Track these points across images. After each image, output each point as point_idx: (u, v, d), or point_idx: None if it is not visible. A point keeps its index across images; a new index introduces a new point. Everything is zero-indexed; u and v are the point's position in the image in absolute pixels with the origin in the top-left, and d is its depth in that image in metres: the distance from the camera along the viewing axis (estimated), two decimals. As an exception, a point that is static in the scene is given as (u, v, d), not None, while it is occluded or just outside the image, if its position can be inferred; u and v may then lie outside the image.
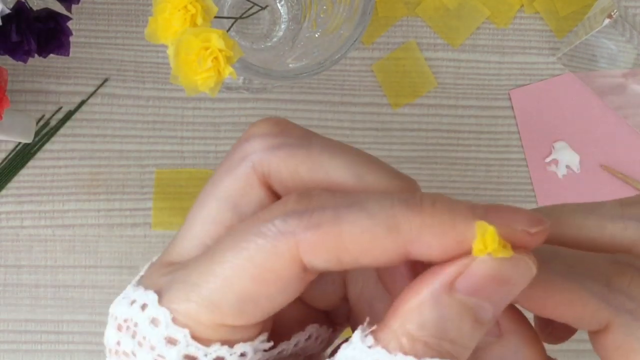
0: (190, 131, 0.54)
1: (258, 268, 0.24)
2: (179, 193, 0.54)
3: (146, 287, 0.27)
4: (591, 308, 0.25)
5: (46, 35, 0.47)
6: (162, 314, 0.25)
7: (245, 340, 0.25)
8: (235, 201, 0.27)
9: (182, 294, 0.25)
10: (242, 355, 0.25)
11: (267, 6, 0.51)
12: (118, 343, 0.27)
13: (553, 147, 0.56)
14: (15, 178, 0.53)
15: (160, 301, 0.26)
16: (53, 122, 0.53)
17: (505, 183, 0.56)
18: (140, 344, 0.26)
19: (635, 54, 0.52)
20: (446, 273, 0.23)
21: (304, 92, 0.55)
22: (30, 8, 0.46)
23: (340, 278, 0.28)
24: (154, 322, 0.26)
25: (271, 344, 0.26)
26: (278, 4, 0.52)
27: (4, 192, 0.53)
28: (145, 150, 0.54)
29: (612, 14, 0.50)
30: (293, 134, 0.26)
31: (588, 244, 0.27)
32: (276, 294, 0.24)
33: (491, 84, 0.56)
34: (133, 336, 0.27)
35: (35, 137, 0.52)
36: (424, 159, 0.55)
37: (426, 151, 0.55)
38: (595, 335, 0.26)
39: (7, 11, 0.44)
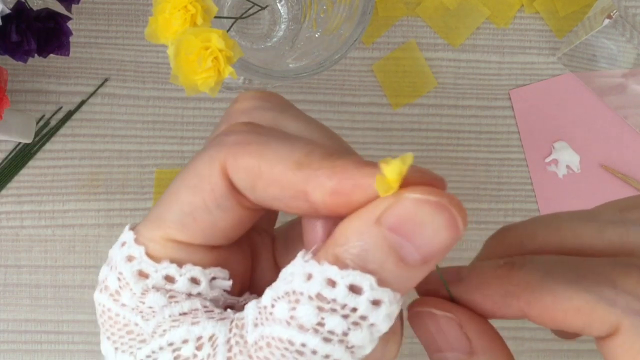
0: (190, 131, 0.54)
1: (196, 178, 0.26)
2: (179, 193, 0.54)
3: None
4: (599, 313, 0.25)
5: (46, 35, 0.47)
6: (128, 237, 0.28)
7: (194, 263, 0.27)
8: (204, 190, 0.28)
9: (146, 218, 0.28)
10: (194, 281, 0.27)
11: (267, 6, 0.51)
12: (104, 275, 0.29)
13: (553, 147, 0.56)
14: (15, 178, 0.53)
15: (134, 228, 0.28)
16: (53, 122, 0.53)
17: (505, 183, 0.56)
18: (109, 266, 0.29)
19: (635, 54, 0.52)
20: (374, 206, 0.23)
21: (304, 92, 0.55)
22: (30, 8, 0.46)
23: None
24: (122, 245, 0.28)
25: (229, 282, 0.27)
26: (278, 4, 0.52)
27: (4, 192, 0.53)
28: (145, 150, 0.54)
29: (612, 14, 0.50)
30: (265, 117, 0.28)
31: (589, 250, 0.27)
32: (212, 206, 0.26)
33: (491, 84, 0.56)
34: (108, 263, 0.29)
35: (35, 137, 0.52)
36: (424, 159, 0.55)
37: (426, 151, 0.55)
38: (604, 340, 0.26)
39: (7, 11, 0.44)
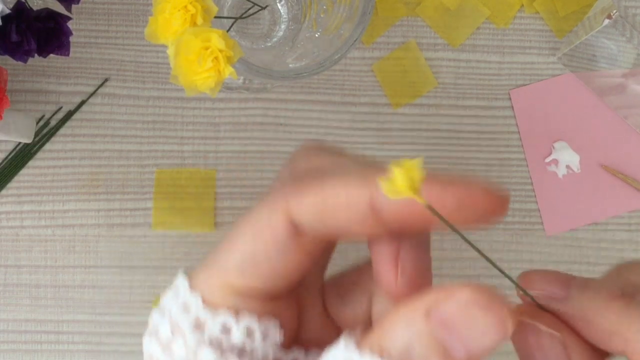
0: (190, 131, 0.54)
1: (257, 225, 0.27)
2: (179, 193, 0.54)
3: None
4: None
5: (46, 35, 0.47)
6: (183, 284, 0.28)
7: (250, 311, 0.27)
8: (266, 238, 0.29)
9: (202, 265, 0.28)
10: (249, 331, 0.27)
11: (267, 6, 0.51)
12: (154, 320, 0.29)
13: (553, 147, 0.56)
14: (15, 178, 0.53)
15: (186, 276, 0.28)
16: (53, 122, 0.53)
17: (505, 183, 0.56)
18: (162, 313, 0.28)
19: (635, 54, 0.52)
20: (426, 299, 0.24)
21: (304, 92, 0.55)
22: (30, 8, 0.46)
23: (368, 299, 0.30)
24: (176, 293, 0.28)
25: (281, 337, 0.27)
26: (278, 4, 0.52)
27: (4, 192, 0.53)
28: (145, 150, 0.54)
29: (612, 14, 0.50)
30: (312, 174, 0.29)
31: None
32: (273, 252, 0.27)
33: (491, 84, 0.56)
34: (161, 310, 0.29)
35: (35, 137, 0.52)
36: (424, 159, 0.55)
37: (426, 151, 0.55)
38: None
39: (7, 11, 0.44)
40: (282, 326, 0.28)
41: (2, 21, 0.44)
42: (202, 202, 0.54)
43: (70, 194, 0.54)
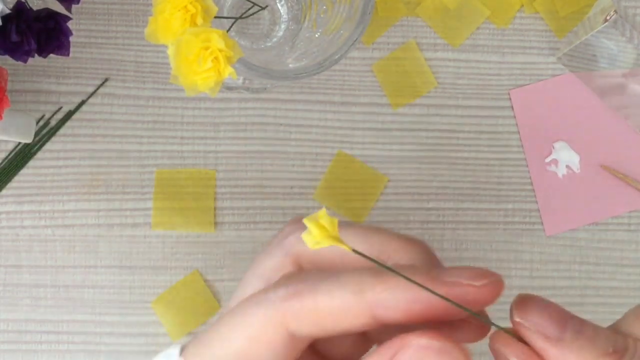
0: (190, 131, 0.54)
1: (251, 329, 0.27)
2: (179, 193, 0.54)
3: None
4: None
5: (46, 35, 0.47)
6: (175, 356, 0.29)
7: None
8: (270, 277, 0.31)
9: (194, 348, 0.29)
10: None
11: (267, 6, 0.51)
12: None
13: (553, 147, 0.56)
14: (15, 178, 0.53)
15: (181, 353, 0.29)
16: (53, 122, 0.53)
17: (505, 183, 0.56)
18: None
19: (635, 54, 0.52)
20: (382, 355, 0.25)
21: (304, 92, 0.55)
22: (30, 8, 0.46)
23: (358, 332, 0.31)
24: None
25: None
26: (278, 4, 0.52)
27: (4, 192, 0.53)
28: (145, 150, 0.54)
29: (612, 14, 0.50)
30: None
31: None
32: (268, 356, 0.27)
33: (491, 83, 0.56)
34: None
35: (35, 137, 0.52)
36: (424, 159, 0.55)
37: (426, 151, 0.55)
38: None
39: (7, 11, 0.44)
40: None
41: (2, 21, 0.44)
42: (202, 202, 0.54)
43: (70, 194, 0.54)
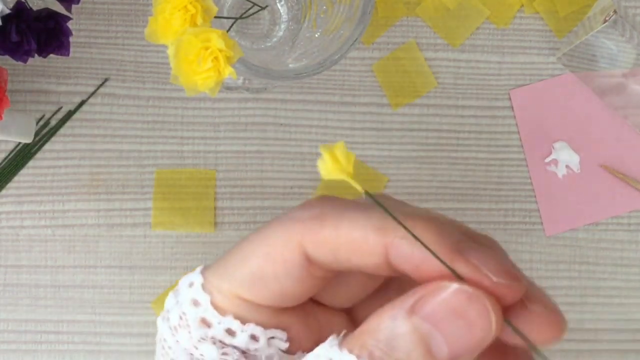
0: (190, 131, 0.54)
1: (270, 247, 0.27)
2: (179, 193, 0.54)
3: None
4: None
5: (46, 35, 0.47)
6: (197, 279, 0.29)
7: (257, 323, 0.27)
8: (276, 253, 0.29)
9: (215, 267, 0.29)
10: (253, 337, 0.27)
11: (267, 6, 0.51)
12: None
13: (553, 147, 0.56)
14: (15, 178, 0.53)
15: (202, 272, 0.29)
16: (53, 122, 0.53)
17: (505, 183, 0.56)
18: (176, 299, 0.29)
19: (635, 54, 0.52)
20: (410, 296, 0.24)
21: (304, 92, 0.55)
22: (30, 8, 0.46)
23: (358, 278, 0.30)
24: (190, 285, 0.29)
25: (286, 344, 0.28)
26: (278, 4, 0.52)
27: (4, 192, 0.53)
28: (145, 150, 0.54)
29: (612, 13, 0.50)
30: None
31: None
32: (282, 276, 0.27)
33: (491, 84, 0.56)
34: (176, 294, 0.29)
35: (35, 137, 0.52)
36: (424, 159, 0.55)
37: (426, 151, 0.55)
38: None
39: (7, 11, 0.44)
40: (290, 338, 0.28)
41: (2, 21, 0.44)
42: (202, 202, 0.54)
43: (70, 194, 0.54)
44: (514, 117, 0.56)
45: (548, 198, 0.56)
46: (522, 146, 0.56)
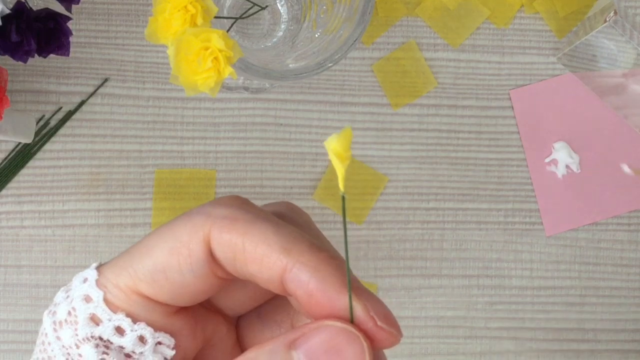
0: (190, 131, 0.54)
1: (176, 240, 0.27)
2: (179, 193, 0.54)
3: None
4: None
5: (46, 35, 0.47)
6: (91, 275, 0.28)
7: (148, 323, 0.27)
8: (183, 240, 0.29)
9: (114, 262, 0.28)
10: (141, 339, 0.27)
11: (267, 6, 0.51)
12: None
13: (553, 147, 0.56)
14: (15, 178, 0.53)
15: (98, 268, 0.28)
16: (53, 122, 0.53)
17: (505, 183, 0.56)
18: (66, 293, 0.29)
19: (635, 54, 0.52)
20: (292, 333, 0.25)
21: (304, 92, 0.55)
22: (30, 8, 0.46)
23: (290, 321, 0.30)
24: (84, 281, 0.28)
25: (173, 352, 0.28)
26: (278, 4, 0.52)
27: (4, 192, 0.53)
28: (145, 150, 0.54)
29: (612, 14, 0.50)
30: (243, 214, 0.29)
31: None
32: (186, 269, 0.27)
33: (491, 84, 0.56)
34: (67, 289, 0.29)
35: (35, 137, 0.52)
36: (424, 159, 0.55)
37: (426, 151, 0.55)
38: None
39: (7, 11, 0.44)
40: (177, 344, 0.28)
41: (2, 21, 0.44)
42: (201, 202, 0.54)
43: (70, 194, 0.54)
44: (514, 117, 0.56)
45: (548, 198, 0.56)
46: (522, 146, 0.56)
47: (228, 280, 0.28)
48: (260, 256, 0.26)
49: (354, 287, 0.25)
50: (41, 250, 0.54)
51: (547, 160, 0.56)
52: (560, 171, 0.56)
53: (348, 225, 0.55)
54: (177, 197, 0.54)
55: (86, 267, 0.54)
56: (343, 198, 0.25)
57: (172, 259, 0.27)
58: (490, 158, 0.56)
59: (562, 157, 0.56)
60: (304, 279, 0.25)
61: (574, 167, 0.56)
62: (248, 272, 0.27)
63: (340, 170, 0.24)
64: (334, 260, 0.26)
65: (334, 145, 0.24)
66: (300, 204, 0.54)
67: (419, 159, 0.55)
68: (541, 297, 0.56)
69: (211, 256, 0.27)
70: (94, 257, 0.54)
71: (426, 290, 0.55)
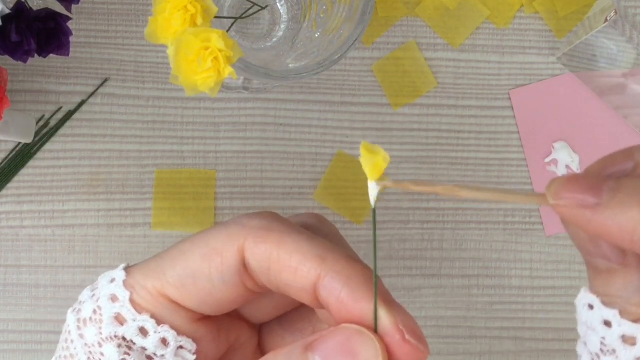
0: (190, 131, 0.54)
1: (209, 248, 0.27)
2: (179, 193, 0.54)
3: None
4: None
5: (46, 35, 0.47)
6: (119, 275, 0.28)
7: (172, 326, 0.28)
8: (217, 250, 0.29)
9: (144, 264, 0.28)
10: (164, 341, 0.28)
11: (267, 6, 0.51)
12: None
13: (553, 147, 0.56)
14: (15, 178, 0.53)
15: (127, 269, 0.29)
16: (53, 122, 0.53)
17: (505, 183, 0.56)
18: (92, 292, 0.29)
19: (635, 54, 0.52)
20: (307, 338, 0.26)
21: (304, 92, 0.55)
22: (30, 8, 0.46)
23: (312, 327, 0.31)
24: (112, 281, 0.29)
25: (194, 357, 0.28)
26: (278, 4, 0.52)
27: (4, 192, 0.53)
28: (145, 150, 0.54)
29: (612, 14, 0.50)
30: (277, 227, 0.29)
31: None
32: (216, 277, 0.27)
33: (491, 84, 0.56)
34: (93, 288, 0.29)
35: (35, 137, 0.52)
36: (424, 159, 0.55)
37: (426, 151, 0.55)
38: None
39: (7, 11, 0.44)
40: (198, 350, 0.28)
41: (2, 21, 0.44)
42: (201, 202, 0.54)
43: (70, 194, 0.54)
44: (514, 117, 0.56)
45: (548, 198, 0.56)
46: (522, 146, 0.56)
47: (255, 293, 0.29)
48: (295, 265, 0.26)
49: (386, 300, 0.26)
50: (41, 250, 0.54)
51: (547, 160, 0.56)
52: (560, 171, 0.56)
53: (348, 225, 0.55)
54: (177, 197, 0.54)
55: (86, 267, 0.54)
56: (374, 212, 0.27)
57: (203, 265, 0.27)
58: (490, 158, 0.56)
59: (562, 157, 0.56)
60: (337, 287, 0.26)
61: (574, 167, 0.56)
62: (282, 281, 0.27)
63: (375, 190, 0.25)
64: (366, 271, 0.26)
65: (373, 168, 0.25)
66: (300, 204, 0.54)
67: (419, 159, 0.55)
68: (541, 297, 0.56)
69: (243, 266, 0.27)
70: (94, 257, 0.54)
71: (426, 290, 0.55)
